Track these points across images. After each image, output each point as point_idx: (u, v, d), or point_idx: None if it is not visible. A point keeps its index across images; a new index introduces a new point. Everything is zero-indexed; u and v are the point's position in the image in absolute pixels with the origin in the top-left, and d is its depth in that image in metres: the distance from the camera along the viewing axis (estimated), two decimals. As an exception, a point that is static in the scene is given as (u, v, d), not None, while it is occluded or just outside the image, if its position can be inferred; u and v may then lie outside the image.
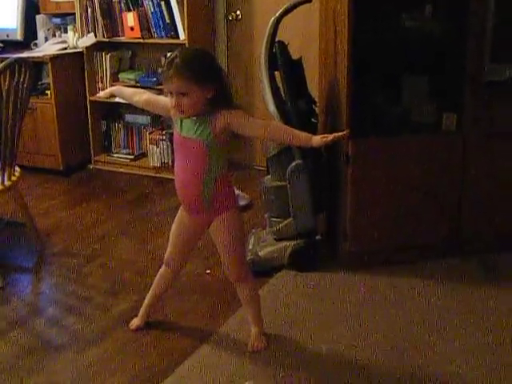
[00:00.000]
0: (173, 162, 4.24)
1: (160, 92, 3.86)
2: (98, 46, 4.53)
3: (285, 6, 3.02)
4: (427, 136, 2.95)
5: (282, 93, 2.96)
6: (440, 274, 2.96)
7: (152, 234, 3.52)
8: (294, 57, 3.04)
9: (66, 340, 2.52)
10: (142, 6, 4.30)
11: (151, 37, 4.34)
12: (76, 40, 4.51)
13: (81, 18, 4.47)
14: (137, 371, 2.30)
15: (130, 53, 4.69)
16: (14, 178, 3.08)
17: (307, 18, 3.87)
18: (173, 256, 2.43)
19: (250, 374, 2.27)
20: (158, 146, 4.47)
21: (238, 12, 4.44)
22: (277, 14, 3.00)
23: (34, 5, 4.69)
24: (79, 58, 4.51)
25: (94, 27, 4.45)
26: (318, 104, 3.21)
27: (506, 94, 2.91)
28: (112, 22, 4.44)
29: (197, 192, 2.22)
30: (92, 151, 4.73)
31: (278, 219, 3.05)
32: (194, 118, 2.14)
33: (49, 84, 4.38)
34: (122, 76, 4.58)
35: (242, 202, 3.59)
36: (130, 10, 4.34)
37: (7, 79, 2.82)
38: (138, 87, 4.20)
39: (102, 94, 2.61)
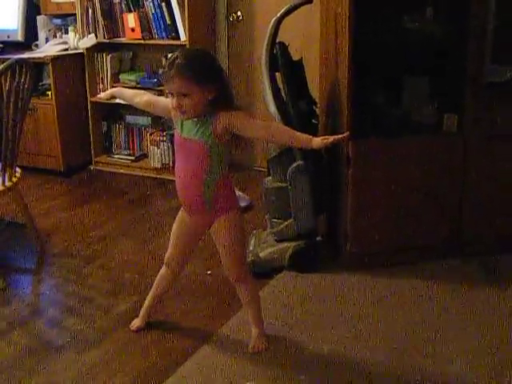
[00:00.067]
0: (173, 163, 4.22)
1: (161, 93, 3.88)
2: (98, 47, 4.53)
3: (286, 7, 3.02)
4: (428, 137, 2.95)
5: (283, 94, 2.96)
6: (440, 275, 2.96)
7: (152, 234, 3.52)
8: (295, 58, 3.04)
9: (66, 341, 2.52)
10: (143, 6, 4.30)
11: (152, 38, 4.34)
12: (77, 41, 4.51)
13: (81, 19, 4.47)
14: (137, 372, 2.30)
15: (131, 54, 4.70)
16: (14, 179, 3.08)
17: (308, 19, 3.87)
18: (173, 257, 2.43)
19: (251, 375, 2.27)
20: (158, 147, 4.47)
21: (239, 13, 4.44)
22: (278, 15, 3.01)
23: (34, 6, 4.69)
24: (80, 59, 4.51)
25: (95, 28, 4.45)
26: (318, 105, 3.21)
27: (507, 96, 2.91)
28: (113, 22, 4.45)
29: (197, 193, 2.22)
30: (93, 152, 4.73)
31: (279, 220, 3.05)
32: (195, 119, 2.14)
33: (49, 85, 4.38)
34: (122, 77, 4.58)
35: (242, 203, 3.59)
36: (130, 11, 4.35)
37: (8, 80, 2.82)
38: (138, 88, 4.20)
39: (102, 95, 2.61)
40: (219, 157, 2.18)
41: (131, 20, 4.34)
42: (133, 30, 4.35)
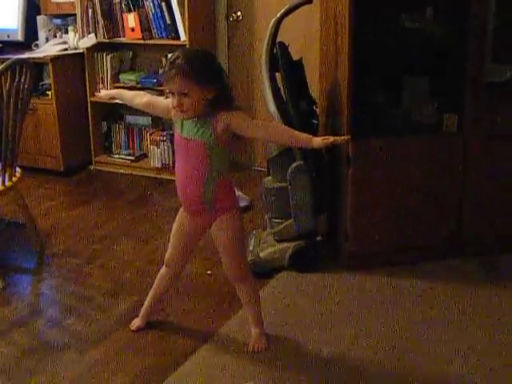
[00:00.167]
0: (173, 162, 4.21)
1: (161, 93, 3.87)
2: (98, 47, 4.53)
3: (286, 7, 3.02)
4: (428, 137, 2.95)
5: (283, 94, 2.96)
6: (440, 275, 2.96)
7: (152, 234, 3.52)
8: (295, 58, 3.04)
9: (66, 340, 2.52)
10: (143, 6, 4.30)
11: (152, 38, 4.34)
12: (77, 41, 4.50)
13: (81, 19, 4.47)
14: (137, 371, 2.31)
15: (131, 54, 4.69)
16: (14, 179, 3.08)
17: (308, 19, 3.87)
18: (173, 257, 2.43)
19: (251, 375, 2.27)
20: (158, 147, 4.47)
21: (239, 13, 4.44)
22: (278, 15, 3.01)
23: (34, 5, 4.69)
24: (80, 59, 4.51)
25: (95, 28, 4.45)
26: (318, 105, 3.21)
27: (507, 96, 2.91)
28: (113, 22, 4.45)
29: (197, 193, 2.22)
30: (93, 152, 4.73)
31: (279, 220, 3.05)
32: (195, 119, 2.14)
33: (50, 85, 4.38)
34: (122, 77, 4.58)
35: (242, 203, 3.59)
36: (130, 11, 4.34)
37: (8, 80, 2.82)
38: (138, 88, 4.22)
39: (102, 94, 2.60)
40: (219, 157, 2.18)
41: (131, 20, 4.33)
42: (133, 29, 4.35)
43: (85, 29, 4.48)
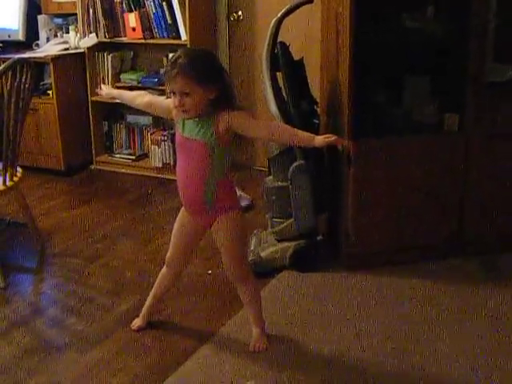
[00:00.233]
0: (174, 162, 4.24)
1: (161, 92, 3.88)
2: (99, 47, 4.53)
3: (286, 7, 3.02)
4: (429, 136, 2.95)
5: (284, 93, 2.96)
6: (441, 274, 2.96)
7: (154, 234, 3.52)
8: (296, 57, 3.04)
9: (67, 340, 2.52)
10: (144, 6, 4.30)
11: (153, 37, 4.34)
12: (78, 40, 4.51)
13: (82, 19, 4.47)
14: (138, 371, 2.31)
15: (132, 53, 4.70)
16: (15, 179, 3.08)
17: (309, 18, 3.87)
18: (174, 257, 2.43)
19: (251, 375, 2.27)
20: (159, 147, 4.47)
21: (240, 13, 4.44)
22: (278, 15, 3.00)
23: (35, 5, 4.69)
24: (81, 59, 4.51)
25: (96, 28, 4.45)
26: (319, 104, 3.21)
27: (508, 95, 2.91)
28: (114, 22, 4.45)
29: (199, 193, 2.21)
30: (94, 152, 4.73)
31: (280, 220, 3.05)
32: (197, 118, 2.14)
33: (50, 84, 4.38)
34: (123, 76, 4.58)
35: (243, 203, 3.59)
36: (131, 11, 4.35)
37: (9, 79, 2.82)
38: (139, 88, 4.21)
39: (103, 92, 2.57)
40: (221, 157, 2.18)
41: (132, 19, 4.33)
42: (134, 29, 4.35)
43: (86, 28, 4.48)
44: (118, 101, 2.59)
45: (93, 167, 4.75)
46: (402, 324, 2.57)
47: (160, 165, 4.49)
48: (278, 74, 2.97)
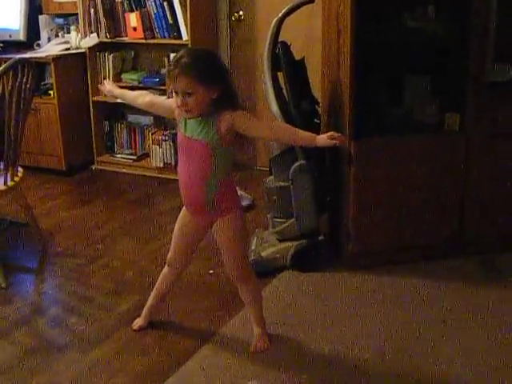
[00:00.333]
0: (176, 162, 4.24)
1: (163, 92, 3.88)
2: (100, 47, 4.53)
3: (288, 7, 3.02)
4: (430, 136, 2.95)
5: (285, 93, 2.96)
6: (442, 274, 2.96)
7: (155, 234, 3.52)
8: (297, 57, 3.04)
9: (68, 340, 2.52)
10: (145, 6, 4.30)
11: (154, 37, 4.34)
12: (79, 40, 4.51)
13: (83, 19, 4.47)
14: (139, 371, 2.31)
15: (133, 53, 4.70)
16: (16, 179, 3.08)
17: (310, 18, 3.87)
18: (175, 256, 2.43)
19: (253, 374, 2.27)
20: (160, 147, 4.47)
21: (241, 12, 4.44)
22: (280, 15, 3.01)
23: (36, 5, 4.70)
24: (82, 59, 4.51)
25: (97, 27, 4.45)
26: (320, 104, 3.21)
27: (509, 94, 2.91)
28: (115, 22, 4.45)
29: (200, 193, 2.21)
30: (95, 151, 4.73)
31: (281, 220, 3.05)
32: (199, 118, 2.14)
33: (51, 84, 4.39)
34: (124, 76, 4.58)
35: (244, 203, 3.59)
36: (132, 11, 4.35)
37: (10, 79, 2.82)
38: (140, 88, 4.21)
39: (106, 89, 2.56)
40: (222, 157, 2.18)
41: (133, 19, 4.34)
42: (135, 29, 4.35)
43: (87, 28, 4.49)
44: (119, 100, 2.59)
45: (94, 167, 4.75)
46: (402, 324, 2.57)
47: (161, 165, 4.49)
48: (279, 73, 2.97)
